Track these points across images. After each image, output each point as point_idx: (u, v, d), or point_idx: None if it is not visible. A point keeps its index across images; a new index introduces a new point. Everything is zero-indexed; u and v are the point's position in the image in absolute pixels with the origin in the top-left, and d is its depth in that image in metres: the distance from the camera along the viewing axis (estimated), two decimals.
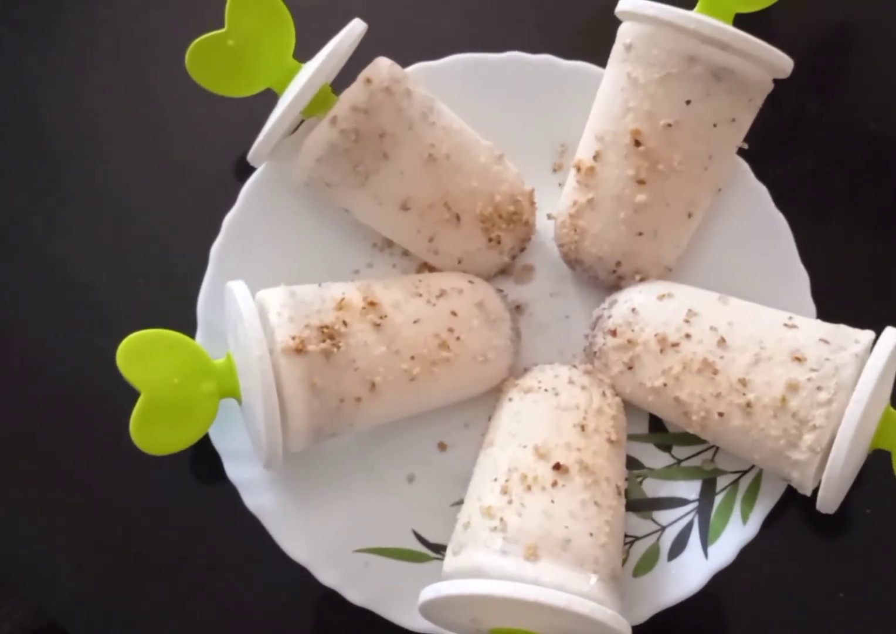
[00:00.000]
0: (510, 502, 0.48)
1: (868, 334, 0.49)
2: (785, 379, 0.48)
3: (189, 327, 0.53)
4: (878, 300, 0.59)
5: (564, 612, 0.43)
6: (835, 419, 0.47)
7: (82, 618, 0.55)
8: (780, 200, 0.56)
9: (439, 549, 0.52)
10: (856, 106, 0.63)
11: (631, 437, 0.55)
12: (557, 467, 0.48)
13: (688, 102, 0.52)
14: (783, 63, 0.53)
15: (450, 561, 0.48)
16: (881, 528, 0.55)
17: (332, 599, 0.51)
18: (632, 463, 0.54)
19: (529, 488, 0.48)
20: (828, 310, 0.54)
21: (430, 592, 0.46)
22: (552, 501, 0.47)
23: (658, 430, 0.55)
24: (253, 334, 0.48)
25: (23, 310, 0.60)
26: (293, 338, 0.48)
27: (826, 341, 0.49)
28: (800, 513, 0.55)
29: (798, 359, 0.49)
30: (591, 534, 0.47)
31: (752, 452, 0.50)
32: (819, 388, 0.48)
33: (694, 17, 0.52)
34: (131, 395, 0.48)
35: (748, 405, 0.49)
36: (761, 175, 0.57)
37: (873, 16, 0.65)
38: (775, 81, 0.54)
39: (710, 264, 0.57)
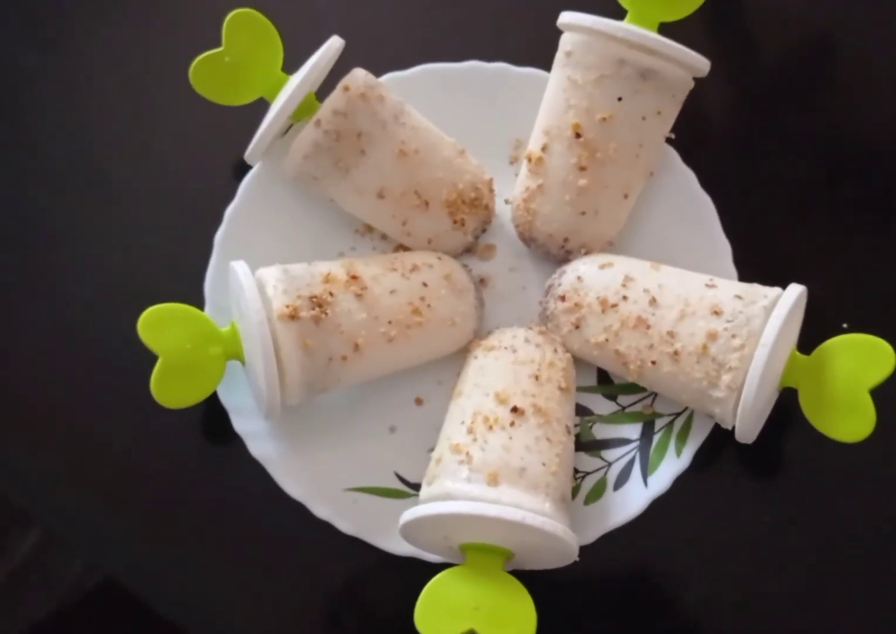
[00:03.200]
0: (475, 439, 0.54)
1: (775, 290, 0.56)
2: (706, 330, 0.55)
3: (198, 304, 0.58)
4: (791, 266, 0.65)
5: (520, 525, 0.50)
6: (747, 361, 0.53)
7: (108, 553, 0.61)
8: (708, 183, 0.62)
9: (417, 487, 0.57)
10: (774, 101, 0.70)
11: (582, 389, 0.61)
12: (515, 409, 0.55)
13: (619, 99, 0.59)
14: (701, 64, 0.60)
15: (424, 490, 0.55)
16: (798, 461, 0.61)
17: (325, 531, 0.58)
18: (583, 411, 0.61)
19: (491, 427, 0.54)
20: (748, 274, 0.60)
21: (409, 514, 0.52)
22: (510, 438, 0.54)
23: (605, 382, 0.62)
24: (253, 305, 0.54)
25: (60, 292, 0.65)
26: (287, 306, 0.54)
27: (740, 297, 0.55)
28: (734, 455, 0.61)
29: (716, 313, 0.55)
30: (544, 464, 0.54)
31: (681, 393, 0.57)
32: (734, 336, 0.54)
33: (623, 26, 0.58)
34: (151, 359, 0.54)
35: (676, 353, 0.56)
36: (690, 162, 0.63)
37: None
38: (701, 79, 0.61)
39: (645, 238, 0.63)
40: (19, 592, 0.60)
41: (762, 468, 0.62)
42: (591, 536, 0.57)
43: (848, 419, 0.54)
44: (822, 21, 0.72)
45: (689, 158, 0.63)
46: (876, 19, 0.72)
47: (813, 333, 0.57)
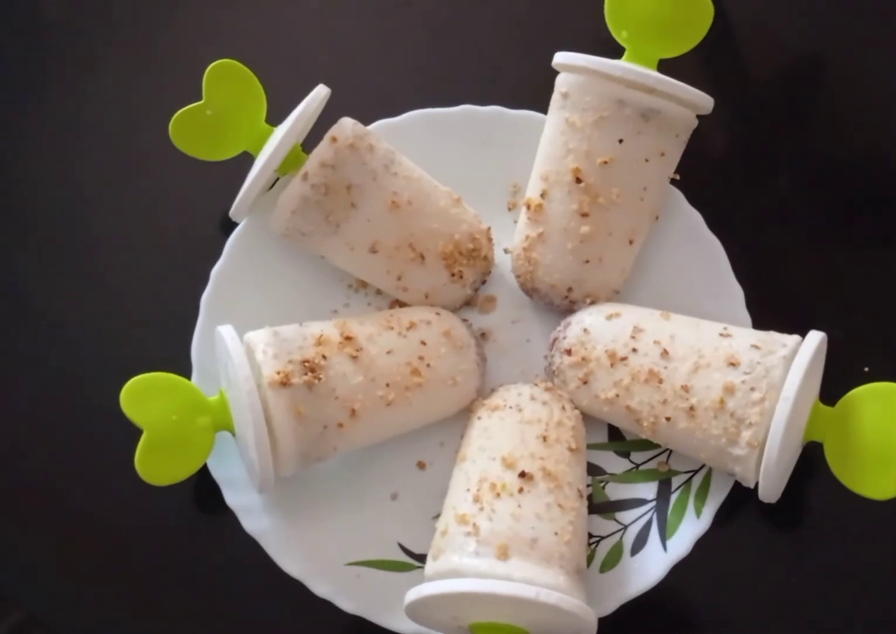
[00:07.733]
0: (482, 509, 0.51)
1: (794, 339, 0.53)
2: (722, 383, 0.52)
3: (185, 370, 0.57)
4: (807, 309, 0.63)
5: (534, 603, 0.47)
6: (768, 416, 0.51)
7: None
8: (716, 225, 0.60)
9: (423, 559, 0.55)
10: (780, 137, 0.67)
11: (592, 446, 0.59)
12: (523, 475, 0.52)
13: (620, 141, 0.57)
14: (704, 102, 0.57)
15: (430, 566, 0.52)
16: (826, 518, 0.58)
17: (326, 610, 0.55)
18: (594, 470, 0.58)
19: (499, 495, 0.52)
20: (762, 320, 0.58)
21: (414, 594, 0.49)
22: (519, 505, 0.51)
23: (616, 438, 0.59)
24: (241, 372, 0.51)
25: (40, 360, 0.63)
26: (278, 372, 0.52)
27: (757, 347, 0.53)
28: (756, 511, 0.58)
29: (733, 364, 0.53)
30: (556, 533, 0.51)
31: (698, 451, 0.54)
32: (752, 389, 0.52)
33: (620, 65, 0.56)
34: (136, 431, 0.52)
35: (691, 408, 0.53)
36: (696, 203, 0.61)
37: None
38: (704, 116, 0.59)
39: (653, 285, 0.61)
40: None
41: (787, 527, 0.59)
42: (609, 607, 0.55)
43: (878, 475, 0.52)
44: (826, 51, 0.70)
45: (695, 200, 0.61)
46: (886, 46, 0.70)
47: (833, 378, 0.55)
